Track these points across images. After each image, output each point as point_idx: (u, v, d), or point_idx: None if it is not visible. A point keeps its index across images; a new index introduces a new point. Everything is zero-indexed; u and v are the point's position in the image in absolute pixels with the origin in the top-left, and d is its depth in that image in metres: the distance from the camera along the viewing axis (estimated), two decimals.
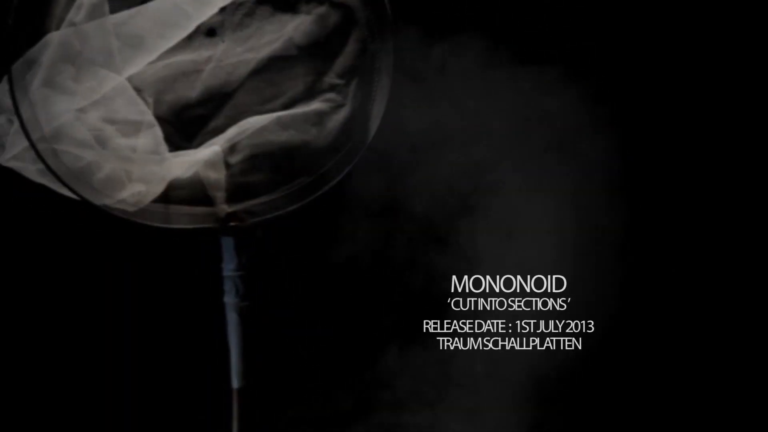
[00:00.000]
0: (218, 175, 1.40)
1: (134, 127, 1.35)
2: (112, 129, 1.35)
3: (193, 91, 1.39)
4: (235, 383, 1.44)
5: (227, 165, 1.40)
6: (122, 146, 1.34)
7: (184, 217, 1.41)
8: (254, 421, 1.45)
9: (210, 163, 1.39)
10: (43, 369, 1.89)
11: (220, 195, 1.41)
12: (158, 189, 1.37)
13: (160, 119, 1.38)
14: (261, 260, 1.46)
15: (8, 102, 1.34)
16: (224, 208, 1.42)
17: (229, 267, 1.42)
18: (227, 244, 1.42)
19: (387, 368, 1.95)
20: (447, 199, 1.94)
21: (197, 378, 1.87)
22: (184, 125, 1.40)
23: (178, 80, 1.39)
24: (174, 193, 1.40)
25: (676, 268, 1.94)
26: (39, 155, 1.32)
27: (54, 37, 1.33)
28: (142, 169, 1.36)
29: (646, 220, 1.94)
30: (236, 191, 1.42)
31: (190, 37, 1.38)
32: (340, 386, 1.95)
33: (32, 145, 1.31)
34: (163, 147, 1.36)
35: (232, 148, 1.40)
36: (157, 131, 1.36)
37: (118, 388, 1.89)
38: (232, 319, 1.43)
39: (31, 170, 1.37)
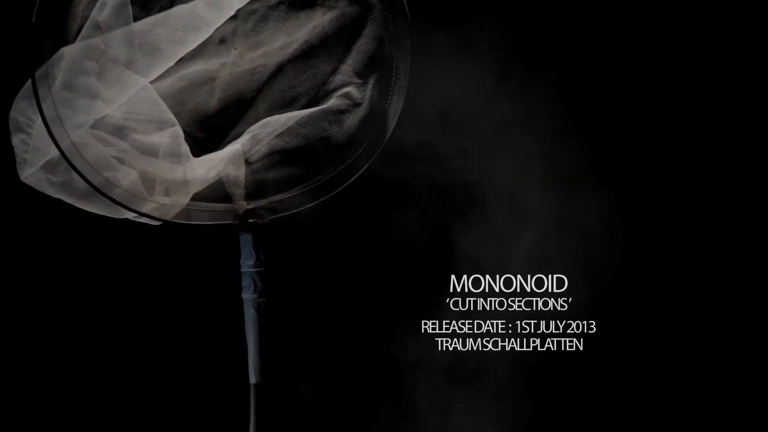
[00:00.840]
0: (238, 173, 1.41)
1: (156, 127, 1.36)
2: (133, 130, 1.35)
3: (211, 100, 1.40)
4: (253, 378, 1.44)
5: (247, 162, 1.41)
6: (145, 145, 1.35)
7: (203, 214, 1.42)
8: (271, 417, 1.46)
9: (230, 161, 1.40)
10: (57, 367, 1.89)
11: (239, 192, 1.42)
12: (184, 199, 1.37)
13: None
14: (279, 257, 1.46)
15: (23, 120, 1.34)
16: (243, 205, 1.42)
17: (247, 263, 1.42)
18: (246, 240, 1.43)
19: (401, 365, 1.95)
20: (455, 198, 1.94)
21: (215, 373, 1.88)
22: (205, 136, 1.41)
23: (194, 91, 1.39)
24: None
25: (677, 268, 1.94)
26: (68, 162, 1.31)
27: (74, 48, 1.32)
28: (165, 171, 1.36)
29: (648, 218, 1.94)
30: (255, 188, 1.42)
31: (202, 46, 1.39)
32: (356, 382, 1.95)
33: (60, 152, 1.31)
34: (185, 146, 1.36)
35: (252, 147, 1.40)
36: (179, 130, 1.36)
37: (137, 383, 1.90)
38: (250, 315, 1.43)
39: (51, 184, 1.36)
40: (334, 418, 1.94)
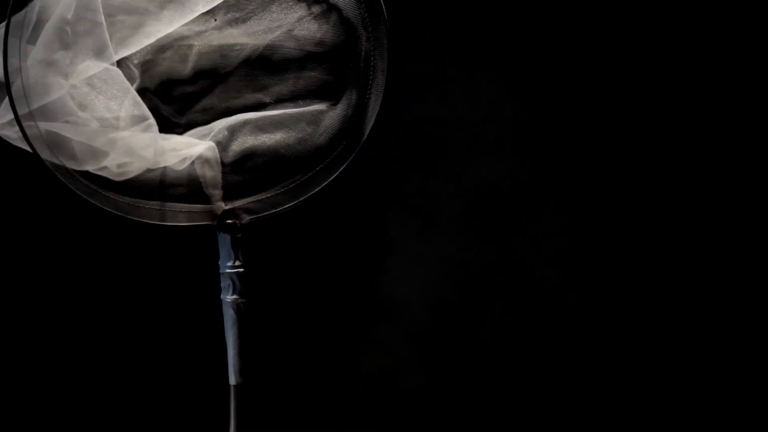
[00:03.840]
0: (214, 173, 1.40)
1: (118, 101, 1.34)
2: (95, 99, 1.33)
3: (184, 67, 1.39)
4: (233, 380, 1.44)
5: (223, 163, 1.40)
6: (106, 115, 1.33)
7: (180, 215, 1.42)
8: (252, 418, 1.45)
9: (205, 161, 1.39)
10: (39, 368, 1.89)
11: (216, 192, 1.42)
12: (145, 163, 1.36)
13: (148, 90, 1.38)
14: (258, 257, 1.46)
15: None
16: (221, 206, 1.42)
17: (226, 264, 1.42)
18: (224, 241, 1.42)
19: (386, 365, 1.95)
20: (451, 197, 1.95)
21: (195, 375, 1.87)
22: (173, 100, 1.40)
23: (167, 53, 1.39)
24: (170, 191, 1.40)
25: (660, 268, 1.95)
26: (24, 134, 1.30)
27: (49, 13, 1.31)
28: (127, 138, 1.34)
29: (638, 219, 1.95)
30: (233, 189, 1.42)
31: (182, 7, 1.38)
32: (338, 383, 1.95)
33: (17, 120, 1.30)
34: (150, 117, 1.35)
35: (227, 146, 1.40)
36: (140, 102, 1.34)
37: (116, 385, 1.90)
38: (229, 316, 1.43)
39: (14, 137, 1.35)
40: (316, 420, 1.94)
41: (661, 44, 1.92)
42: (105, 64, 1.32)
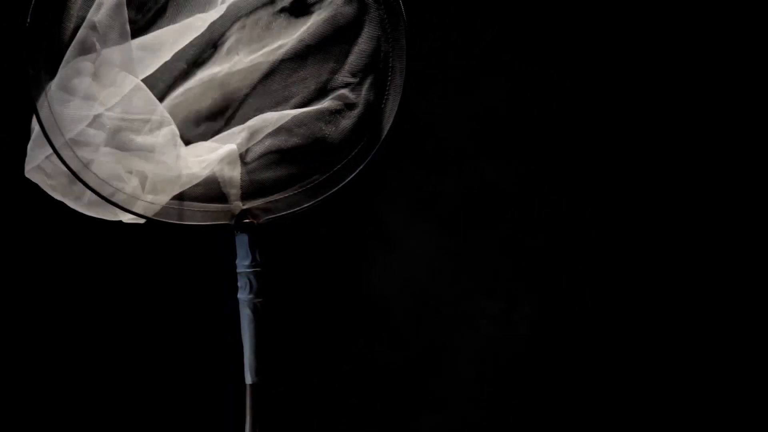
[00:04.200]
0: (233, 173, 1.40)
1: (151, 126, 1.36)
2: (128, 128, 1.35)
3: (204, 99, 1.40)
4: (249, 379, 1.44)
5: (243, 162, 1.41)
6: (140, 145, 1.35)
7: (198, 214, 1.42)
8: (268, 418, 1.46)
9: (226, 161, 1.40)
10: (54, 368, 1.89)
11: (234, 192, 1.42)
12: (169, 196, 1.38)
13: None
14: (275, 257, 1.46)
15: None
16: (239, 205, 1.42)
17: (243, 263, 1.42)
18: (241, 240, 1.42)
19: (399, 364, 1.95)
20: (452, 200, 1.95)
21: (212, 374, 1.88)
22: (197, 134, 1.41)
23: (191, 93, 1.40)
24: (188, 191, 1.40)
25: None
26: (62, 161, 1.31)
27: (69, 49, 1.33)
28: (160, 168, 1.36)
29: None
30: (251, 188, 1.42)
31: (211, 55, 1.39)
32: (353, 382, 1.95)
33: (54, 150, 1.31)
34: (181, 145, 1.37)
35: (247, 146, 1.40)
36: (174, 129, 1.36)
37: (133, 385, 1.90)
38: (245, 315, 1.43)
39: (51, 185, 1.36)
40: (331, 419, 1.94)
41: (661, 44, 1.92)
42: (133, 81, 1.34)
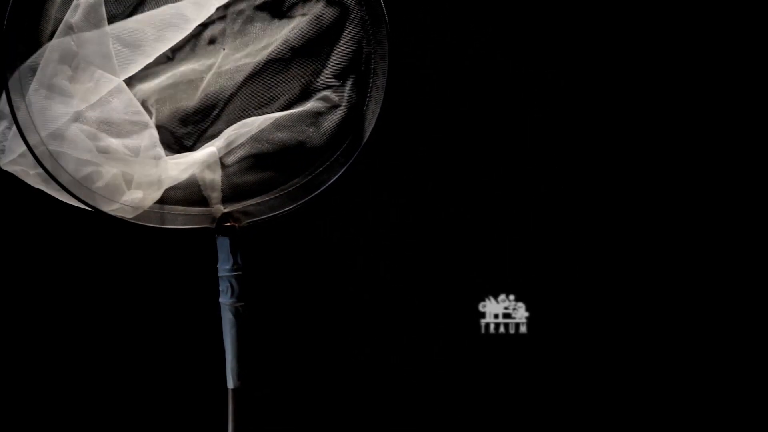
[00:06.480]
0: (214, 176, 1.40)
1: (131, 129, 1.35)
2: (109, 130, 1.35)
3: (191, 98, 1.40)
4: (231, 383, 1.44)
5: (223, 165, 1.40)
6: (120, 148, 1.35)
7: (179, 218, 1.41)
8: (250, 422, 1.45)
9: (206, 164, 1.39)
10: (38, 370, 1.88)
11: (215, 195, 1.41)
12: (156, 194, 1.37)
13: (160, 128, 1.39)
14: (257, 260, 1.46)
15: (6, 110, 1.34)
16: (220, 209, 1.42)
17: (224, 267, 1.42)
18: (223, 244, 1.42)
19: (383, 367, 1.95)
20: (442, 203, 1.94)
21: (193, 378, 1.87)
22: (183, 132, 1.40)
23: (179, 89, 1.39)
24: (169, 194, 1.40)
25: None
26: (37, 159, 1.31)
27: (52, 43, 1.33)
28: (140, 171, 1.36)
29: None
30: (232, 192, 1.42)
31: (193, 47, 1.39)
32: (336, 386, 1.95)
33: (29, 149, 1.31)
34: (160, 148, 1.36)
35: (228, 149, 1.40)
36: (154, 132, 1.36)
37: (114, 388, 1.89)
38: (227, 319, 1.43)
39: (31, 175, 1.36)
40: (314, 423, 1.94)
41: (658, 44, 1.92)
42: (113, 80, 1.33)
